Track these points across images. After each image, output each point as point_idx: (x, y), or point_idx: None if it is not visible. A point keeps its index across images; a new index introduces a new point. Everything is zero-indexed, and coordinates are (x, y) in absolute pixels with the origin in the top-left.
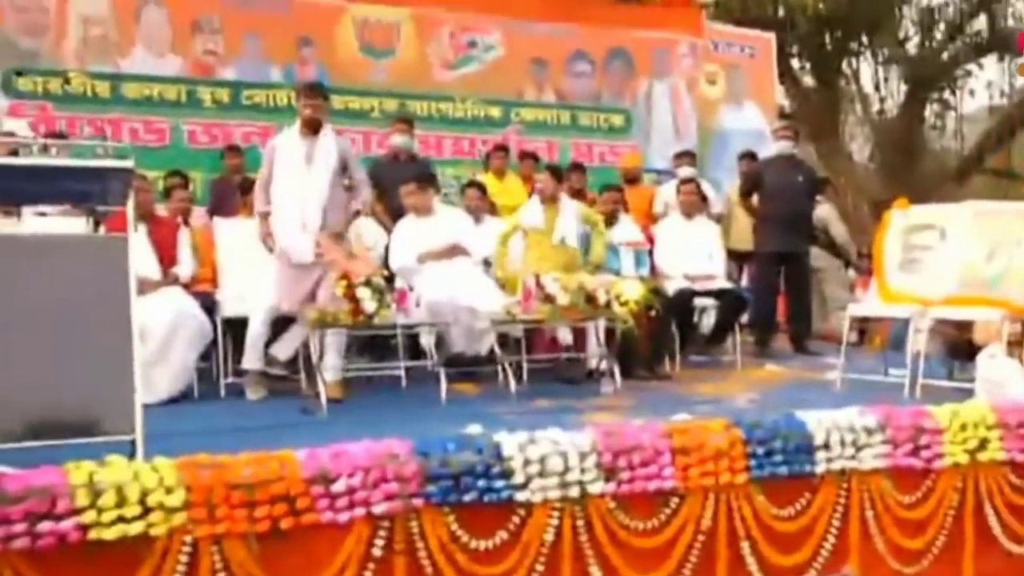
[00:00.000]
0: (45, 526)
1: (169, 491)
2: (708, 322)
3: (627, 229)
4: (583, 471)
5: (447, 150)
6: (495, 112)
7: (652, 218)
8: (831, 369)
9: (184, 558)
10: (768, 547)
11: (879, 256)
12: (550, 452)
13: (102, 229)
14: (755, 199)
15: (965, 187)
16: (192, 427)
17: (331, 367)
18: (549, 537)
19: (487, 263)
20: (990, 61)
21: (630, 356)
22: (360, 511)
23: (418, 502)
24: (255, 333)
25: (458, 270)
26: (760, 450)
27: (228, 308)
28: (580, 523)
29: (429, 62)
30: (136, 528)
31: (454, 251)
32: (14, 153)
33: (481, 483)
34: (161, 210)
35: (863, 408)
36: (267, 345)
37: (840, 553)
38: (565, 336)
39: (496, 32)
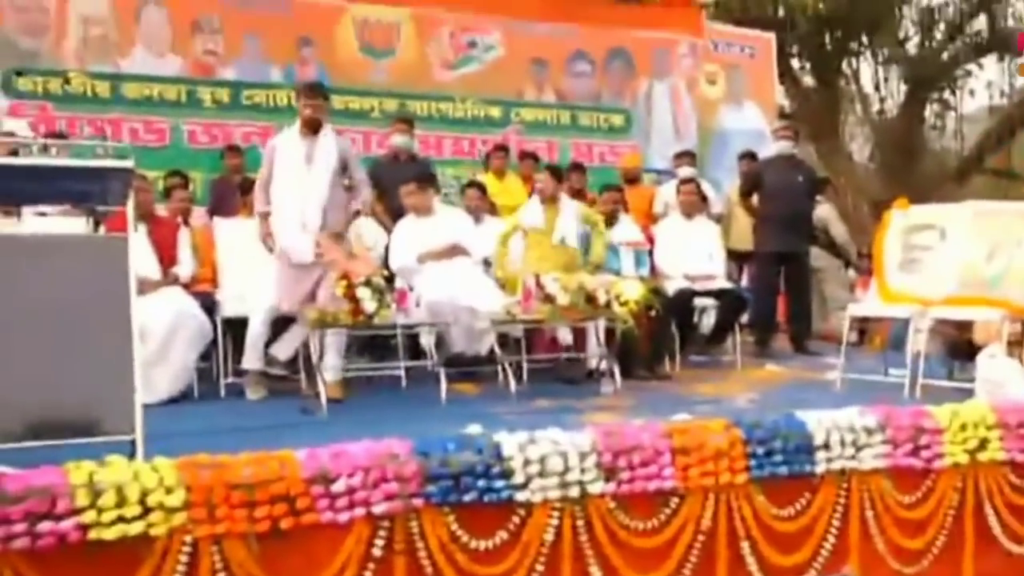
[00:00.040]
0: (45, 526)
1: (169, 491)
2: (708, 322)
3: (627, 229)
4: (583, 471)
5: (447, 150)
6: (495, 112)
7: (652, 218)
8: (831, 369)
9: (184, 558)
10: (768, 547)
11: (879, 256)
12: (550, 452)
13: (102, 229)
14: (755, 199)
15: (965, 187)
16: (192, 427)
17: (331, 367)
18: (549, 537)
19: (487, 263)
20: (990, 61)
21: (630, 356)
22: (360, 511)
23: (418, 502)
24: (255, 333)
25: (458, 270)
26: (760, 450)
27: (228, 308)
28: (580, 523)
29: (429, 62)
30: (136, 528)
31: (454, 251)
32: (14, 153)
33: (481, 483)
34: (161, 210)
35: (863, 408)
36: (267, 345)
37: (840, 553)
38: (565, 336)
39: (496, 32)
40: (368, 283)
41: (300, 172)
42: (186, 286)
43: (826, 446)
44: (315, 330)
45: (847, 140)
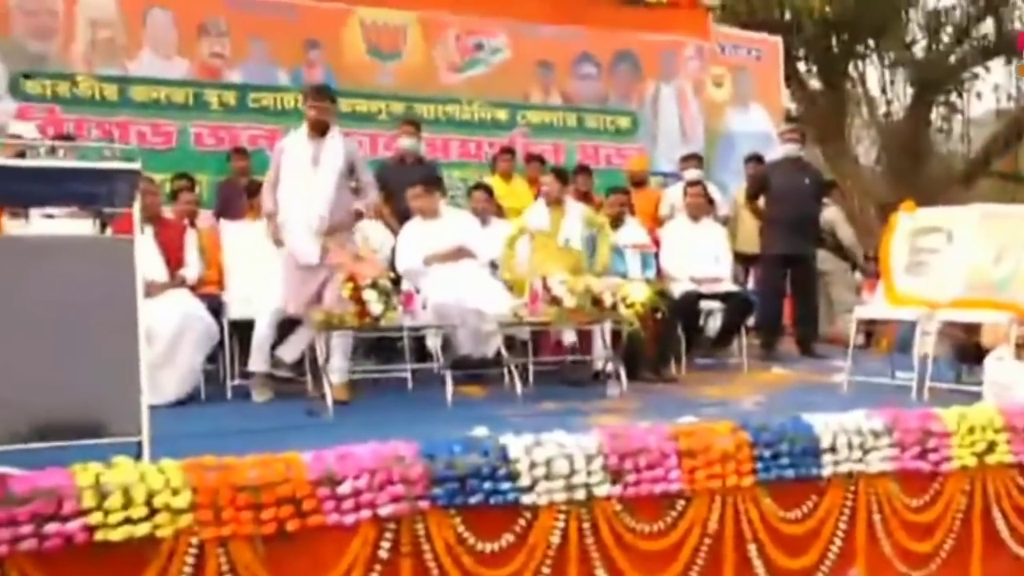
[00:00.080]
0: (51, 527)
1: (175, 493)
2: (714, 325)
3: (633, 232)
4: (589, 473)
5: (454, 152)
6: (501, 115)
7: (658, 221)
8: (838, 372)
9: (190, 560)
10: (775, 550)
11: (886, 259)
12: (556, 454)
13: (109, 231)
14: (761, 202)
15: (972, 190)
16: (198, 429)
17: (337, 369)
18: (555, 540)
19: (494, 265)
20: (997, 64)
21: (636, 358)
22: (366, 513)
23: (424, 504)
24: (261, 335)
25: (464, 272)
26: (767, 453)
27: (234, 310)
28: (586, 526)
29: (436, 65)
30: (142, 529)
31: (460, 253)
32: (22, 155)
33: (487, 485)
34: (168, 212)
35: (870, 411)
36: (273, 347)
37: (847, 556)
38: (571, 338)
39: (502, 35)
40: (374, 285)
41: (307, 174)
42: (193, 288)
43: (833, 449)
44: (321, 332)
45: (853, 143)
